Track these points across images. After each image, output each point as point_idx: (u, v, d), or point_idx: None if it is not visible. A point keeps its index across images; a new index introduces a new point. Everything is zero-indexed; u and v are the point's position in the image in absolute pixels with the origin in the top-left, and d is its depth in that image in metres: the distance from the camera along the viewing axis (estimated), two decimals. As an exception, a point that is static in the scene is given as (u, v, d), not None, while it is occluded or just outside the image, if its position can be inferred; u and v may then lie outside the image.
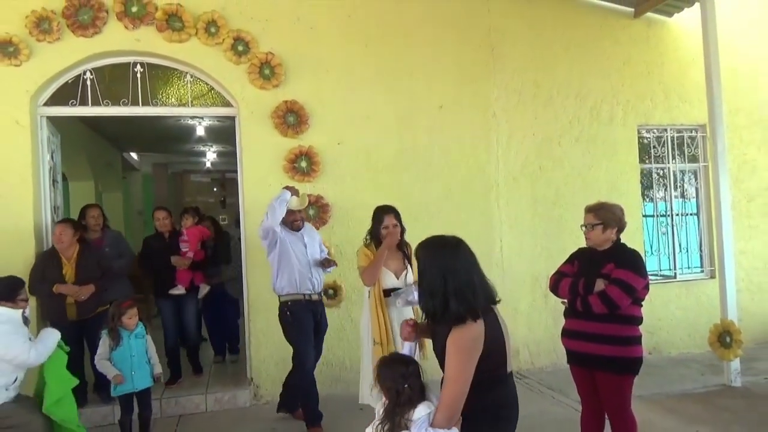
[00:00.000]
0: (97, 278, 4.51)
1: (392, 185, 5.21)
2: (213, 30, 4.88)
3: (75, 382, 3.40)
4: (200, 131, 8.66)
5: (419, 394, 2.03)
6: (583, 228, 3.25)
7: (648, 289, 3.17)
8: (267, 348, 5.03)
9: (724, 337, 4.92)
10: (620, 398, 3.09)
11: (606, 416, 3.17)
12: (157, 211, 5.30)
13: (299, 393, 4.28)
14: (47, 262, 4.44)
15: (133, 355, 3.76)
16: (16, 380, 3.18)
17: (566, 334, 3.22)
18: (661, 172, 6.32)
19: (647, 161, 6.22)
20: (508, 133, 5.67)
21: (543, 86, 5.77)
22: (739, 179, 6.44)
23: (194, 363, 5.43)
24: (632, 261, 3.11)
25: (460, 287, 1.99)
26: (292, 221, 4.18)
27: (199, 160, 12.63)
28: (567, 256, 3.40)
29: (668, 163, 6.28)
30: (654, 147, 6.23)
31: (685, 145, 6.33)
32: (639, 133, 6.12)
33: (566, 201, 5.78)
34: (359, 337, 4.07)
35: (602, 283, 3.04)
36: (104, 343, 3.75)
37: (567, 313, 3.25)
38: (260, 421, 4.54)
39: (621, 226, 3.23)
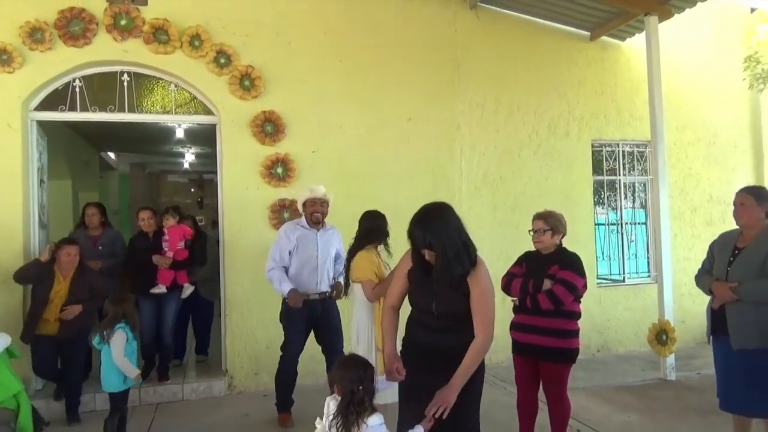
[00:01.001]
0: (86, 300, 4.53)
1: (363, 191, 5.60)
2: (197, 43, 5.22)
3: (17, 387, 3.50)
4: (180, 134, 8.93)
5: (370, 397, 2.26)
6: (532, 233, 3.67)
7: (586, 288, 3.58)
8: (241, 342, 5.38)
9: (660, 335, 5.42)
10: (560, 384, 3.52)
11: (539, 400, 3.59)
12: (142, 210, 5.28)
13: (278, 380, 4.44)
14: (44, 274, 4.48)
15: (133, 352, 3.85)
16: None
17: (515, 327, 3.63)
18: (613, 184, 6.83)
19: (600, 173, 6.72)
20: (471, 144, 6.11)
21: (504, 102, 6.23)
22: (684, 191, 6.99)
23: (161, 367, 5.25)
24: (573, 263, 3.53)
25: (467, 239, 2.50)
26: (312, 212, 4.26)
27: (176, 161, 12.76)
28: (522, 260, 3.82)
29: (619, 175, 6.79)
30: (606, 160, 6.74)
31: (635, 159, 6.85)
32: (593, 147, 6.62)
33: (524, 209, 6.22)
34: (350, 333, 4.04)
35: (549, 282, 3.46)
36: (123, 339, 3.71)
37: (516, 309, 3.65)
38: (234, 408, 4.89)
39: (564, 233, 3.67)
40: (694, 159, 7.03)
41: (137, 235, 5.30)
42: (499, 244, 6.11)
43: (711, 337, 3.42)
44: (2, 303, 4.81)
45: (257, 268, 4.98)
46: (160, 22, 5.13)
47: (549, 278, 3.46)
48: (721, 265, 3.35)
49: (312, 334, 4.48)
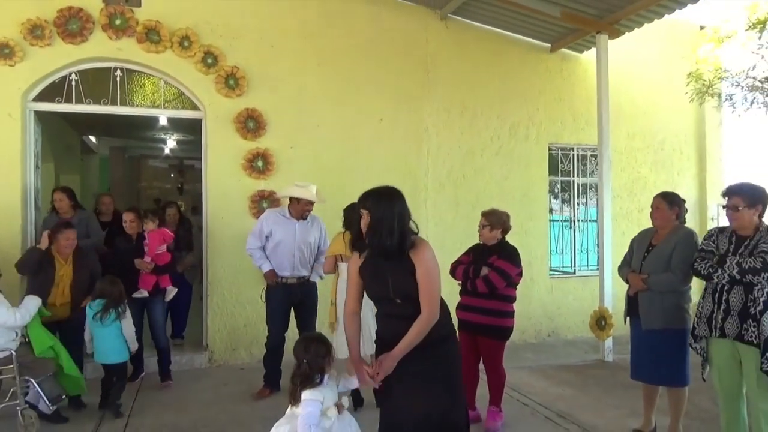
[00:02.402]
0: (88, 280, 4.65)
1: (337, 185, 6.06)
2: (186, 44, 5.64)
3: (51, 340, 4.14)
4: (163, 121, 9.25)
5: (317, 372, 2.50)
6: (479, 227, 4.25)
7: (521, 276, 4.17)
8: (221, 319, 5.87)
9: (600, 321, 6.05)
10: (496, 357, 4.12)
11: (479, 371, 4.19)
12: (126, 212, 5.19)
13: (265, 355, 4.89)
14: (44, 260, 4.52)
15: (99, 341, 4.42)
16: (16, 336, 3.96)
17: (459, 307, 4.19)
18: (568, 184, 7.44)
19: (556, 174, 7.33)
20: (437, 145, 6.65)
21: (469, 107, 6.78)
22: (633, 193, 7.63)
23: (163, 369, 5.18)
24: (510, 254, 4.12)
25: (408, 222, 2.60)
26: (303, 211, 4.73)
27: (157, 146, 12.92)
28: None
29: (573, 176, 7.41)
30: (562, 162, 7.35)
31: (588, 161, 7.47)
32: (550, 150, 7.22)
33: (485, 205, 6.57)
34: (329, 306, 4.58)
35: (486, 269, 4.04)
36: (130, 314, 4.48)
37: (461, 292, 4.23)
38: (214, 379, 5.38)
39: (505, 228, 4.24)
40: (642, 164, 7.68)
41: (120, 236, 5.22)
42: (460, 237, 6.63)
43: (628, 318, 4.02)
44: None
45: (237, 253, 5.51)
46: (152, 23, 5.54)
47: (488, 266, 4.03)
48: (638, 258, 3.94)
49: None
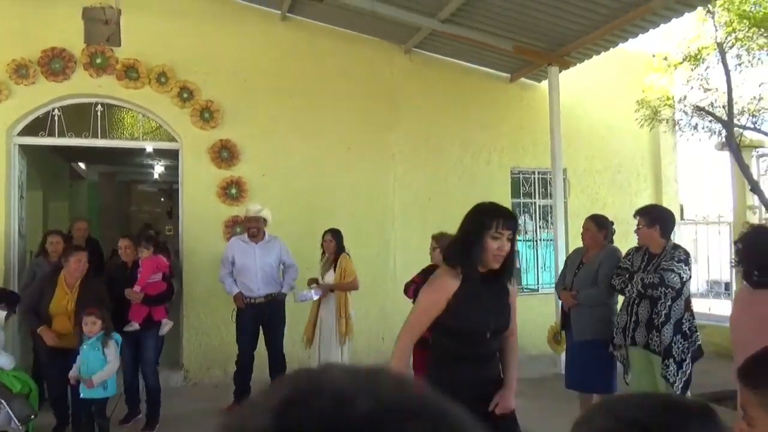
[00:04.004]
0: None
1: (307, 210, 6.46)
2: (163, 80, 6.05)
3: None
4: (149, 149, 9.62)
5: None
6: (430, 250, 4.62)
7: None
8: (196, 339, 6.18)
9: (556, 336, 6.39)
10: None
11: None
12: (121, 239, 4.96)
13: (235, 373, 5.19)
14: (45, 287, 4.35)
15: (83, 364, 3.90)
16: None
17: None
18: (528, 206, 7.84)
19: (518, 197, 7.73)
20: (403, 170, 7.05)
21: (434, 135, 7.20)
22: (592, 213, 8.00)
23: (148, 411, 4.78)
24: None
25: None
26: (249, 227, 5.19)
27: (146, 171, 13.22)
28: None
29: (534, 198, 7.81)
30: (523, 185, 7.75)
31: (548, 184, 7.88)
32: (511, 173, 7.63)
33: (450, 227, 7.07)
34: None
35: (432, 289, 4.39)
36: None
37: (413, 310, 4.57)
38: (189, 397, 5.68)
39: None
40: (600, 185, 8.09)
41: (115, 266, 5.04)
42: (427, 259, 7.01)
43: (563, 331, 4.37)
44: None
45: (212, 276, 5.84)
46: (131, 61, 5.95)
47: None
48: (570, 276, 4.31)
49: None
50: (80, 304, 4.22)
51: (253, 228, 5.18)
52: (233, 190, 6.28)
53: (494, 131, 7.51)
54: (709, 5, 5.49)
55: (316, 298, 5.21)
